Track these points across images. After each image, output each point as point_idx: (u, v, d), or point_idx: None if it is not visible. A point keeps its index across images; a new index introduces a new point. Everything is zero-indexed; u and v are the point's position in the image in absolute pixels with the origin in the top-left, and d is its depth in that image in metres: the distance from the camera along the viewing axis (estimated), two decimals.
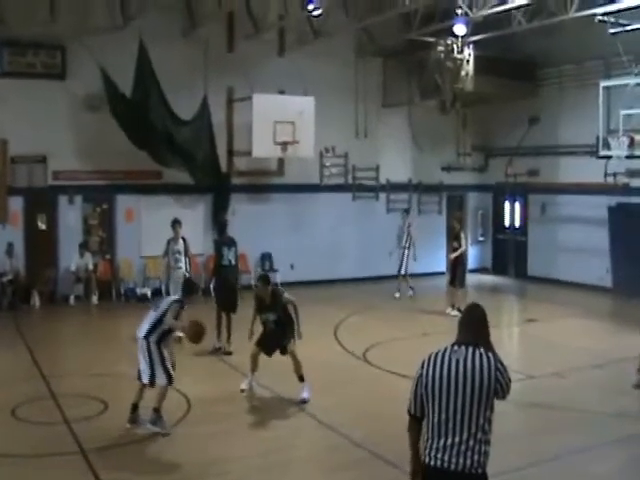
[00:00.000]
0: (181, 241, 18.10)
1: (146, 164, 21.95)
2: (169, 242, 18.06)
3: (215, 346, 16.40)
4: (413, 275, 24.20)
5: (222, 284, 17.15)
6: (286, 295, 13.02)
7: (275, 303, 12.86)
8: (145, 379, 11.31)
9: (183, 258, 18.07)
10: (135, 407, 11.42)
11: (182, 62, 22.33)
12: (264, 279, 13.21)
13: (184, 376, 13.62)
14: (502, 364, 5.87)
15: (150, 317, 11.39)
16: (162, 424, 11.17)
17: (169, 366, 11.28)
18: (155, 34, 21.35)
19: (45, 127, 21.36)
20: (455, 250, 21.11)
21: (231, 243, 17.14)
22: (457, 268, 21.08)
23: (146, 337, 11.20)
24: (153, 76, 21.41)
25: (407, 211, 24.96)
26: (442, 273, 21.76)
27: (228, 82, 23.30)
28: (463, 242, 21.44)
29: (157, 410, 11.21)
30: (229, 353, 16.05)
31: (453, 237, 21.45)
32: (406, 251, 23.56)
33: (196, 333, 11.27)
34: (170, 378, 11.22)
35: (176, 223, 18.19)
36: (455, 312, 19.23)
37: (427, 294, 23.77)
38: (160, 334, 11.24)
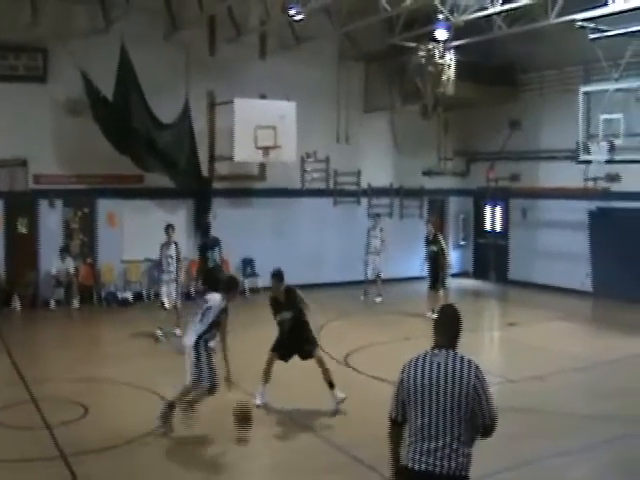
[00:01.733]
0: (173, 246, 18.18)
1: (127, 168, 21.89)
2: (162, 247, 18.13)
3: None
4: (394, 280, 24.30)
5: (208, 285, 17.25)
6: (300, 294, 12.78)
7: (290, 301, 12.59)
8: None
9: (175, 263, 18.14)
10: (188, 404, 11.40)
11: (164, 66, 22.30)
12: (278, 275, 12.87)
13: (167, 378, 13.64)
14: (480, 372, 5.89)
15: (196, 328, 11.38)
16: (189, 415, 11.27)
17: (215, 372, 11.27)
18: (137, 38, 21.29)
19: (26, 130, 21.21)
20: (434, 254, 21.16)
21: (215, 243, 17.26)
22: (438, 272, 21.13)
23: (195, 347, 11.24)
24: (135, 80, 21.35)
25: (378, 215, 25.06)
26: (423, 277, 21.75)
27: (210, 86, 23.28)
28: (444, 245, 21.53)
29: (173, 405, 11.34)
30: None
31: (430, 242, 21.44)
32: (376, 256, 23.71)
33: (244, 416, 10.97)
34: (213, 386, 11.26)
35: (169, 228, 18.28)
36: (435, 315, 19.25)
37: (408, 298, 23.79)
38: (207, 338, 11.30)
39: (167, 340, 17.63)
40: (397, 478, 6.10)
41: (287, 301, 12.60)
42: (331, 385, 12.57)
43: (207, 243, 17.51)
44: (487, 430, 5.91)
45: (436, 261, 21.15)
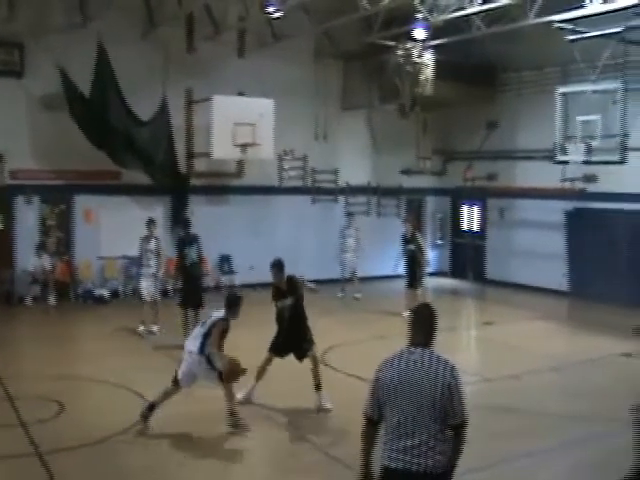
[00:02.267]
0: (154, 240, 18.21)
1: (105, 165, 21.80)
2: (142, 240, 18.14)
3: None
4: (371, 278, 24.35)
5: (187, 281, 17.35)
6: (300, 280, 12.78)
7: (291, 288, 12.56)
8: (214, 384, 11.37)
9: (154, 257, 18.15)
10: (231, 413, 11.43)
11: (141, 63, 22.21)
12: (277, 265, 12.87)
13: (144, 375, 13.64)
14: (456, 372, 5.92)
15: (197, 335, 11.41)
16: (241, 424, 11.38)
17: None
18: (114, 34, 21.21)
19: (3, 125, 21.08)
20: (412, 253, 21.17)
21: (193, 240, 17.29)
22: (415, 270, 21.14)
23: (201, 352, 11.22)
24: (112, 76, 21.28)
25: (352, 214, 25.14)
26: (400, 276, 21.78)
27: (188, 83, 23.19)
28: (422, 243, 21.56)
29: (233, 413, 11.39)
30: None
31: (408, 240, 21.43)
32: (352, 254, 23.80)
33: (232, 371, 11.14)
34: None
35: (151, 222, 18.32)
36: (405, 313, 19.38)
37: (384, 296, 23.82)
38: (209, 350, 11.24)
39: (148, 336, 17.68)
40: (366, 473, 6.11)
41: (289, 289, 12.56)
42: (318, 387, 12.52)
43: (185, 239, 17.50)
44: (458, 430, 5.93)
45: (414, 260, 21.15)
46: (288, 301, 12.54)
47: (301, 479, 10.02)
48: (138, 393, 12.80)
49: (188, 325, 16.73)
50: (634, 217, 22.27)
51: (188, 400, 11.80)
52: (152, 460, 10.29)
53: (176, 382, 11.41)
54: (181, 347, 16.17)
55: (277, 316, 12.73)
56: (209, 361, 11.22)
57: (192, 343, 11.40)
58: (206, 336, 11.24)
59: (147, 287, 18.23)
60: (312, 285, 13.00)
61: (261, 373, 12.68)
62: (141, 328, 18.05)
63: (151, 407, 11.36)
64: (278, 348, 12.67)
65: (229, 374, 11.14)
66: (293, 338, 12.61)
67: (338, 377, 13.91)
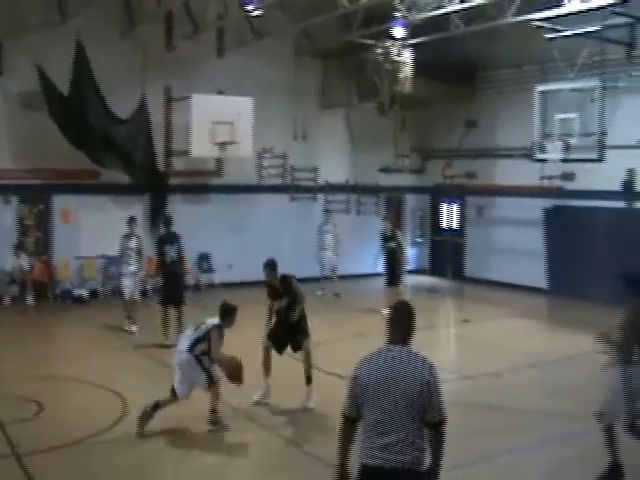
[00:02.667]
0: (135, 238, 18.26)
1: (83, 164, 21.69)
2: (123, 238, 18.17)
3: (164, 343, 16.47)
4: (350, 276, 24.40)
5: (167, 279, 17.37)
6: (296, 284, 12.86)
7: (286, 288, 12.67)
8: (202, 387, 11.40)
9: (135, 256, 18.20)
10: (214, 410, 11.46)
11: (120, 61, 22.09)
12: (270, 265, 13.01)
13: (124, 376, 13.61)
14: (434, 370, 5.94)
15: (189, 336, 11.45)
16: (222, 424, 11.46)
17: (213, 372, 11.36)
18: (93, 33, 21.10)
19: None
20: (392, 250, 21.19)
21: (174, 239, 17.30)
22: (395, 268, 21.16)
23: (190, 351, 11.26)
24: (91, 75, 21.19)
25: (329, 212, 25.20)
26: (379, 274, 21.81)
27: (167, 82, 23.14)
28: (402, 241, 21.59)
29: (214, 411, 11.42)
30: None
31: (388, 238, 21.44)
32: (331, 252, 23.86)
33: (234, 371, 11.24)
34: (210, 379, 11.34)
35: (132, 220, 18.35)
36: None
37: (363, 294, 23.85)
38: (200, 352, 11.27)
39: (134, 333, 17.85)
40: (342, 473, 6.12)
41: (284, 288, 12.69)
42: (308, 380, 12.63)
43: (166, 238, 17.50)
44: (437, 428, 5.94)
45: (393, 258, 21.17)
46: (284, 302, 12.66)
47: (282, 477, 10.01)
48: (118, 393, 12.78)
49: (168, 324, 16.78)
50: (612, 215, 22.38)
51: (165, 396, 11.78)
52: (132, 460, 10.26)
53: (174, 393, 11.39)
54: (160, 346, 16.35)
55: (275, 313, 12.86)
56: (199, 361, 11.24)
57: (183, 343, 11.44)
58: (199, 340, 11.26)
59: (128, 286, 18.23)
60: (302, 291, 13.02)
61: (266, 364, 12.77)
62: (127, 326, 18.12)
63: (156, 407, 11.33)
64: (275, 340, 12.77)
65: (232, 374, 11.20)
66: (289, 332, 12.71)
67: (318, 375, 13.86)
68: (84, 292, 22.47)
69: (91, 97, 21.33)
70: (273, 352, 12.91)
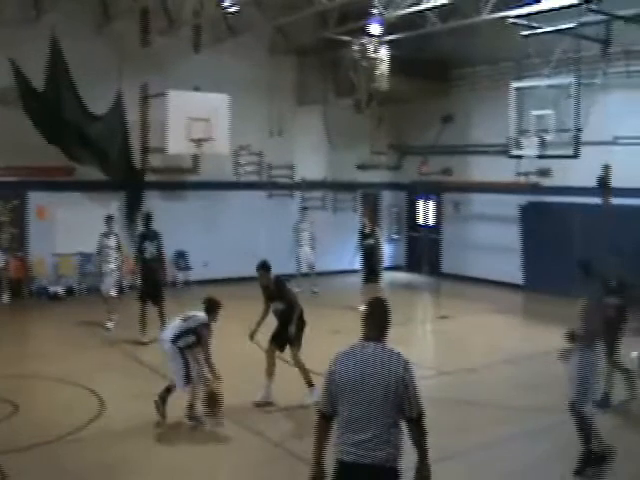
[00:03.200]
0: (113, 237, 18.37)
1: (58, 160, 21.59)
2: (101, 237, 18.26)
3: (141, 340, 16.62)
4: (327, 273, 24.43)
5: (146, 276, 17.40)
6: (289, 287, 13.11)
7: (280, 292, 12.75)
8: (179, 383, 11.50)
9: (114, 253, 18.29)
10: (191, 406, 11.63)
11: (96, 57, 21.96)
12: (263, 267, 13.02)
13: (100, 373, 13.55)
14: (409, 366, 5.95)
15: (177, 326, 11.52)
16: (200, 420, 11.54)
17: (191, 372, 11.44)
18: (68, 28, 21.01)
19: None
20: (371, 247, 21.22)
21: (154, 236, 17.33)
22: (374, 265, 21.20)
23: (174, 342, 11.34)
24: (66, 70, 21.09)
25: (306, 208, 25.23)
26: (356, 271, 21.85)
27: (143, 78, 23.07)
28: (380, 237, 21.66)
29: (192, 406, 11.54)
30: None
31: (367, 235, 21.47)
32: (309, 249, 23.90)
33: (212, 399, 11.40)
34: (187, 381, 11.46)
35: (110, 219, 18.46)
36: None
37: (340, 291, 23.88)
38: (185, 345, 11.37)
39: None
40: (318, 470, 6.12)
41: (278, 292, 12.75)
42: (309, 384, 12.71)
43: (146, 235, 17.51)
44: (416, 423, 5.96)
45: (372, 254, 21.21)
46: (280, 306, 12.73)
47: (260, 474, 10.01)
48: (93, 391, 12.74)
49: (146, 321, 16.78)
50: (587, 211, 22.48)
51: (148, 398, 11.75)
52: (108, 458, 10.21)
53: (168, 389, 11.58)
54: (136, 343, 16.34)
55: (273, 314, 12.97)
56: (182, 355, 11.32)
57: (168, 332, 11.60)
58: (187, 332, 11.38)
59: (107, 283, 18.28)
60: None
61: (270, 366, 12.81)
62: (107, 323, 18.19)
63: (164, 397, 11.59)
64: (276, 341, 12.87)
65: (209, 401, 11.38)
66: (286, 331, 12.75)
67: (293, 372, 13.88)
68: (60, 289, 22.37)
69: (66, 93, 21.21)
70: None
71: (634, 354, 14.66)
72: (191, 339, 11.36)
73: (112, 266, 18.29)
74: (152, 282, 17.41)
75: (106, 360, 15.35)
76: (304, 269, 24.16)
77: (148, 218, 17.88)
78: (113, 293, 18.42)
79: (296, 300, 12.91)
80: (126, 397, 12.74)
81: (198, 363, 11.47)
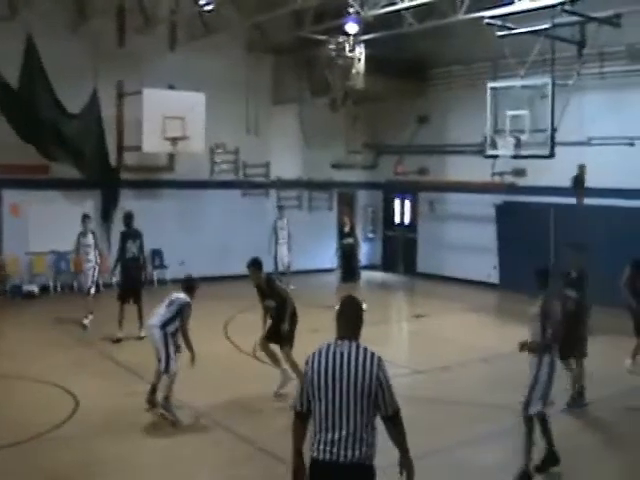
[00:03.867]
0: (90, 235, 18.42)
1: (33, 158, 21.50)
2: (79, 236, 18.32)
3: (117, 336, 16.69)
4: (302, 272, 24.47)
5: (126, 275, 17.49)
6: (279, 284, 13.51)
7: (272, 290, 12.94)
8: (160, 367, 11.80)
9: (92, 252, 18.39)
10: (154, 390, 11.99)
11: (72, 55, 21.89)
12: (254, 264, 13.21)
13: (73, 372, 13.50)
14: (383, 365, 5.95)
15: (164, 312, 11.88)
16: (172, 412, 11.68)
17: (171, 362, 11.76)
18: (44, 26, 20.96)
19: None
20: (350, 247, 21.29)
21: (136, 236, 17.43)
22: (352, 264, 21.27)
23: (163, 327, 11.70)
24: (41, 68, 21.05)
25: (282, 207, 25.24)
26: (331, 270, 21.88)
27: (118, 76, 23.00)
28: (358, 237, 21.76)
29: (167, 398, 11.72)
30: (142, 338, 15.76)
31: (347, 234, 21.52)
32: (285, 247, 23.89)
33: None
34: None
35: (86, 218, 18.55)
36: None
37: (315, 290, 23.85)
38: (174, 329, 11.77)
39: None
40: (299, 472, 6.14)
41: (269, 290, 12.94)
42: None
43: (128, 234, 17.57)
44: (394, 420, 5.97)
45: (351, 254, 21.28)
46: (272, 303, 12.85)
47: (234, 472, 10.00)
48: (68, 390, 12.69)
49: (123, 319, 16.78)
50: (562, 210, 22.62)
51: (124, 397, 11.73)
52: (84, 457, 10.18)
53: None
54: (112, 341, 16.33)
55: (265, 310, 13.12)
56: (166, 342, 11.65)
57: (155, 318, 11.87)
58: (174, 317, 11.76)
59: (85, 281, 18.47)
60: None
61: (275, 359, 12.99)
62: (86, 321, 18.20)
63: (153, 391, 11.99)
64: (271, 336, 12.94)
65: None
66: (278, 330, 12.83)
67: (267, 370, 13.86)
68: (34, 288, 22.25)
69: (41, 91, 21.18)
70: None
71: (627, 362, 14.85)
72: (178, 322, 11.75)
73: (91, 264, 18.36)
74: (132, 281, 17.45)
75: (81, 359, 15.29)
76: (281, 268, 24.11)
77: (129, 217, 17.89)
78: (92, 291, 18.41)
79: (288, 297, 13.00)
80: (101, 396, 12.70)
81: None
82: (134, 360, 14.52)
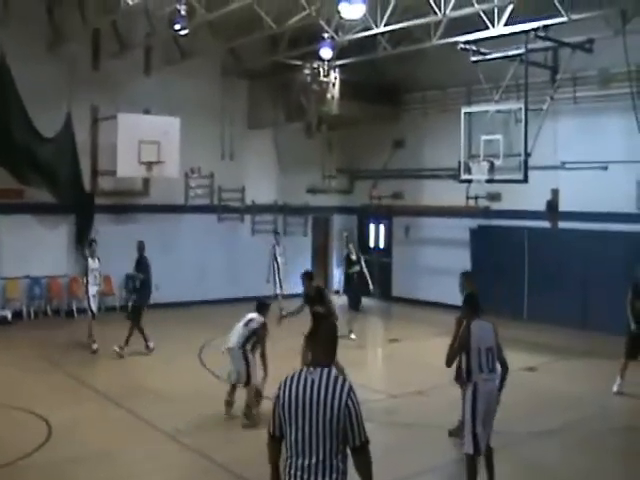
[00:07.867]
0: (97, 260, 18.67)
1: (6, 182, 21.38)
2: (85, 260, 18.77)
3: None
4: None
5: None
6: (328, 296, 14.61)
7: (321, 298, 13.98)
8: (241, 380, 12.86)
9: (99, 275, 18.87)
10: (230, 404, 13.04)
11: (46, 78, 21.78)
12: (306, 275, 14.91)
13: (47, 397, 13.39)
14: (354, 394, 5.90)
15: (241, 332, 12.95)
16: (253, 419, 12.59)
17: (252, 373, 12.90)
18: (17, 48, 20.82)
19: None
20: (359, 274, 21.36)
21: (145, 266, 18.16)
22: (358, 292, 21.45)
23: (242, 347, 12.80)
24: (14, 91, 20.93)
25: (278, 233, 25.26)
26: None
27: (93, 100, 22.99)
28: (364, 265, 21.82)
29: (250, 407, 12.72)
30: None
31: (354, 262, 21.49)
32: (281, 273, 23.87)
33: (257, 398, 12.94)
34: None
35: (93, 242, 18.93)
36: (353, 336, 20.13)
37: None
38: (250, 347, 12.90)
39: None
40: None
41: (319, 299, 13.96)
42: None
43: (140, 262, 18.01)
44: (362, 451, 5.91)
45: (359, 281, 21.38)
46: (320, 309, 13.52)
47: None
48: (40, 415, 12.57)
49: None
50: (536, 234, 22.78)
51: (96, 422, 11.62)
52: None
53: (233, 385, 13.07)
54: (85, 364, 16.21)
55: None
56: (245, 358, 12.74)
57: (235, 339, 12.92)
58: (249, 338, 12.88)
59: (93, 304, 18.61)
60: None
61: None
62: (95, 345, 18.24)
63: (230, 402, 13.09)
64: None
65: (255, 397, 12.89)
66: None
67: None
68: (7, 313, 22.02)
69: (15, 113, 21.08)
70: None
71: (615, 387, 14.90)
72: (254, 340, 12.89)
73: (97, 288, 18.77)
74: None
75: (54, 384, 15.16)
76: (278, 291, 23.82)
77: (141, 248, 18.29)
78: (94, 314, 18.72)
79: (334, 311, 14.07)
80: (74, 421, 12.58)
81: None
82: (110, 386, 14.41)
